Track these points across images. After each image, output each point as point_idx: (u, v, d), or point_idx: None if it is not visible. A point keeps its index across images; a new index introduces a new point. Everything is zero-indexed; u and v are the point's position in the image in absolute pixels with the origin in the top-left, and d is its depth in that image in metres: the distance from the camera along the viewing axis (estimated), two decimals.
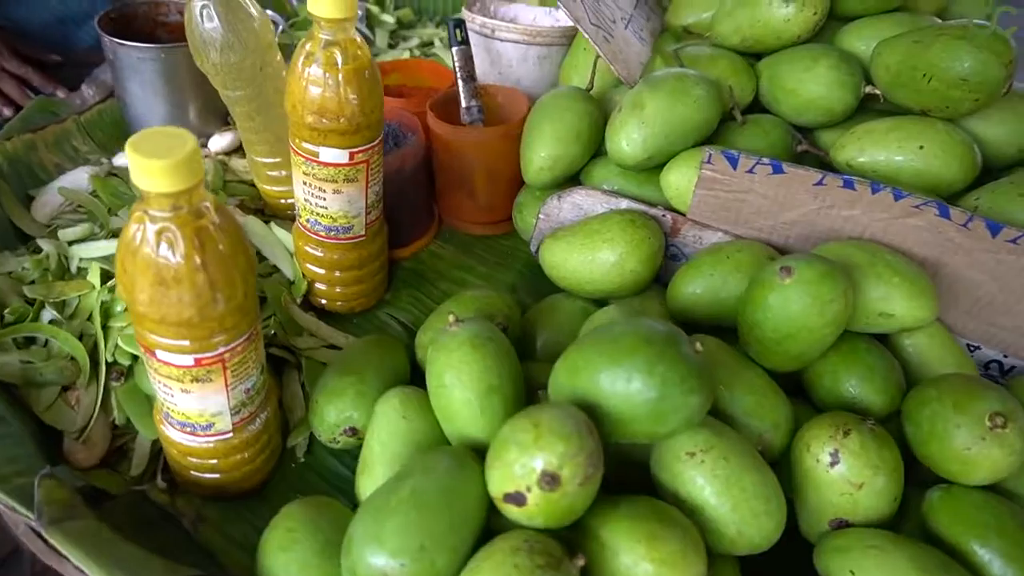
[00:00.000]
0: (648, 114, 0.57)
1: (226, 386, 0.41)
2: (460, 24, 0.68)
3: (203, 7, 0.55)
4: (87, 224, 0.58)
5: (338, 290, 0.59)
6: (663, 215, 0.58)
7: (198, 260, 0.36)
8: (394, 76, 0.75)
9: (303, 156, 0.51)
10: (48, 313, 0.53)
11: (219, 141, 0.74)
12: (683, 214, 0.58)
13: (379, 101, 0.50)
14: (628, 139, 0.58)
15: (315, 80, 0.47)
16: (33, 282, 0.54)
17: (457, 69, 0.67)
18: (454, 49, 0.67)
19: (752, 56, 0.65)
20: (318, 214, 0.54)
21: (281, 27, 0.80)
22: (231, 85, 0.58)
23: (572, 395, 0.42)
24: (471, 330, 0.45)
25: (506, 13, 0.79)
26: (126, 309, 0.53)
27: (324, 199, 0.53)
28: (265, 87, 0.60)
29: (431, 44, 0.95)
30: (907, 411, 0.47)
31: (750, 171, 0.52)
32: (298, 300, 0.59)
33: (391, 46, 0.95)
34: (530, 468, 0.36)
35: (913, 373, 0.51)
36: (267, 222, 0.68)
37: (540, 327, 0.56)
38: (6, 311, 0.52)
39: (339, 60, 0.47)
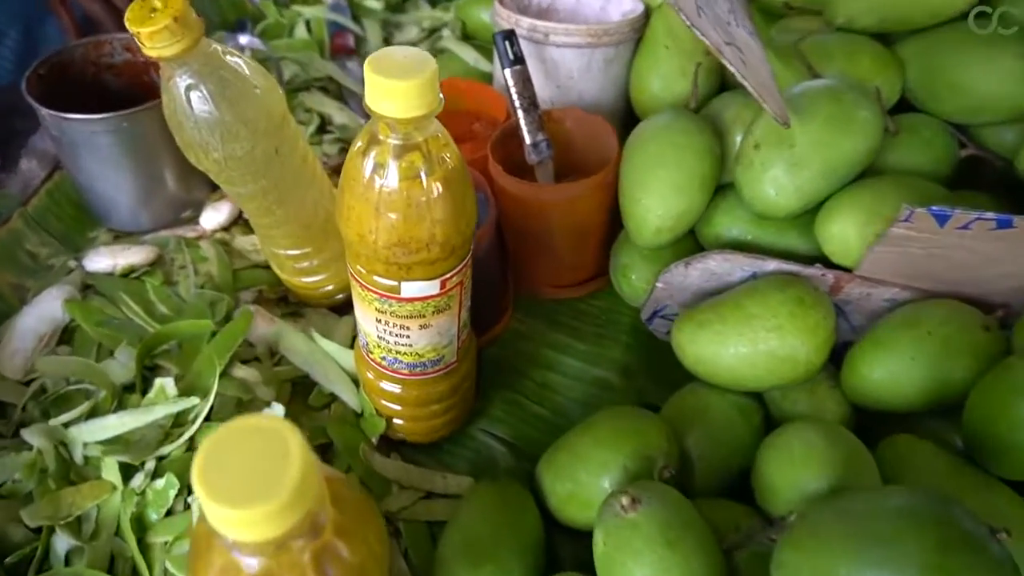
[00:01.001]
0: (801, 153, 0.44)
1: None
2: (510, 36, 0.52)
3: (190, 87, 0.39)
4: (86, 402, 0.43)
5: (424, 423, 0.46)
6: (822, 274, 0.45)
7: None
8: None
9: (376, 292, 0.37)
10: (62, 540, 0.39)
11: (214, 216, 0.59)
12: (847, 269, 0.46)
13: (474, 207, 0.36)
14: (777, 187, 0.44)
15: (392, 203, 0.33)
16: (30, 495, 0.41)
17: (514, 96, 0.52)
18: (507, 71, 0.52)
19: (880, 37, 0.51)
20: (398, 352, 0.40)
21: (249, 43, 0.63)
22: (240, 181, 0.43)
23: None
24: (658, 518, 0.34)
25: None
26: (169, 513, 0.40)
27: (407, 337, 0.39)
28: (284, 172, 0.44)
29: (436, 33, 0.77)
30: None
31: (963, 227, 0.40)
32: (374, 440, 0.46)
33: (385, 40, 0.78)
34: None
35: None
36: (297, 313, 0.55)
37: (689, 438, 0.44)
38: (6, 559, 0.38)
39: (423, 170, 0.33)
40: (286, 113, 0.43)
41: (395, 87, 0.30)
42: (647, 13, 0.58)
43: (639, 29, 0.57)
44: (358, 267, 0.37)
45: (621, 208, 0.49)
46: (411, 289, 0.37)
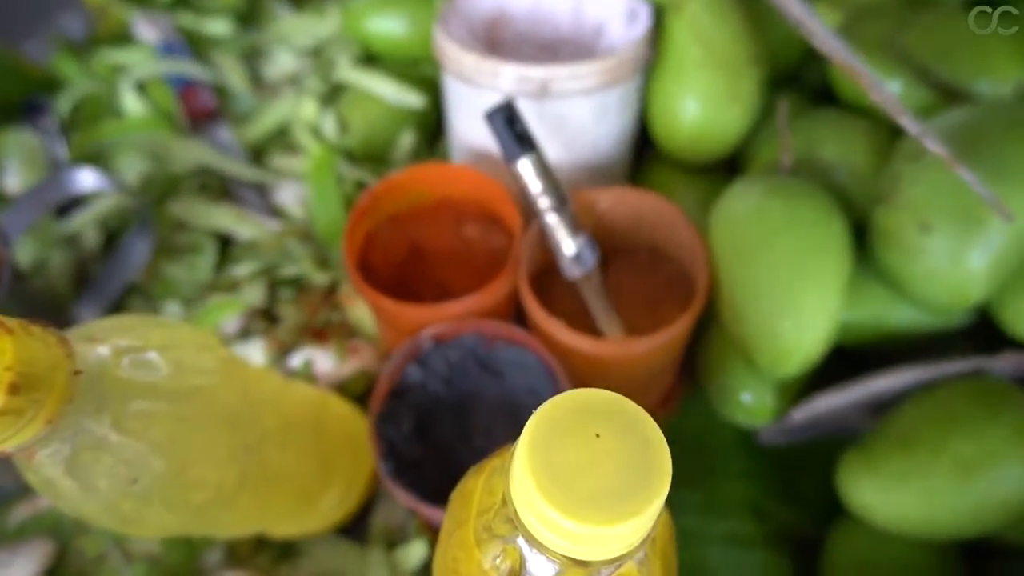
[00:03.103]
0: (995, 228, 0.31)
1: None
2: (509, 112, 0.34)
3: (78, 460, 0.20)
4: None
5: None
6: (1017, 362, 0.35)
7: None
8: (377, 214, 0.40)
9: None
10: None
11: None
12: None
13: None
14: (964, 277, 0.32)
15: None
16: None
17: (535, 196, 0.35)
18: (519, 164, 0.35)
19: None
20: None
21: (97, 185, 0.41)
22: (201, 527, 0.25)
23: None
24: None
25: (478, 3, 0.44)
26: None
27: None
28: (265, 459, 0.27)
29: (322, 57, 0.56)
30: None
31: None
32: None
33: (252, 80, 0.56)
34: None
35: None
36: (291, 553, 0.38)
37: None
38: None
39: None
40: (247, 380, 0.25)
41: (611, 534, 0.14)
42: (657, 15, 0.41)
43: (653, 44, 0.41)
44: None
45: (738, 337, 0.35)
46: None
